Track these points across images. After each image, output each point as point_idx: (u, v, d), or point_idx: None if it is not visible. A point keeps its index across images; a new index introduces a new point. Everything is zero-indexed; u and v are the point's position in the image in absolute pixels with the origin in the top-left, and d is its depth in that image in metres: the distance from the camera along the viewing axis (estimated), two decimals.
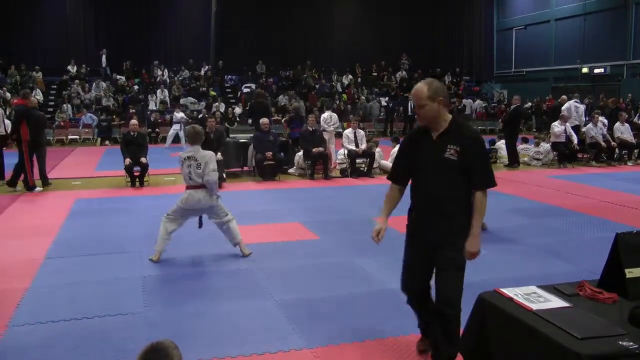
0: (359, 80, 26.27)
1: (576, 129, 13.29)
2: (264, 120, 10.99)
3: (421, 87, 3.09)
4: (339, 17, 27.37)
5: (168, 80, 23.59)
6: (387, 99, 23.87)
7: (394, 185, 3.35)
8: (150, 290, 4.78)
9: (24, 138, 9.47)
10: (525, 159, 13.39)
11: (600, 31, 22.84)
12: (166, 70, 24.20)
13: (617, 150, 13.29)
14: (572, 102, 14.18)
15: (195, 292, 4.73)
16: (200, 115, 17.86)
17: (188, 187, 5.51)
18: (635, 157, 13.43)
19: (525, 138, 14.65)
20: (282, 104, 22.25)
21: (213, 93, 23.04)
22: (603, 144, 13.05)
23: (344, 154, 11.49)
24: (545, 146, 13.16)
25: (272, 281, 4.98)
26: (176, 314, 4.27)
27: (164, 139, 18.24)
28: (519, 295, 2.81)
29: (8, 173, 10.62)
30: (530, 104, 23.45)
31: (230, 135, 12.30)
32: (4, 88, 20.31)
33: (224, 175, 10.14)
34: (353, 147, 11.28)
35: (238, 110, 21.08)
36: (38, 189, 9.63)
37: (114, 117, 20.34)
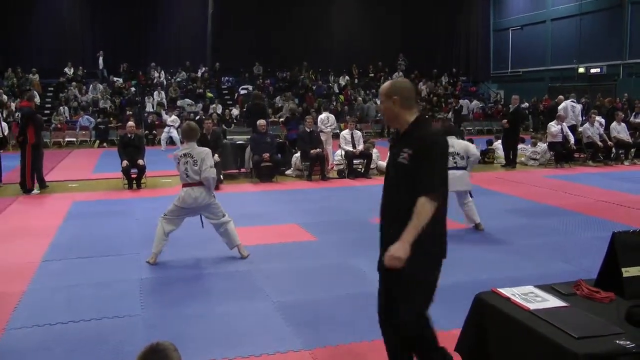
0: (356, 81, 26.28)
1: (573, 128, 13.32)
2: (261, 122, 11.00)
3: (385, 84, 2.96)
4: (336, 19, 27.36)
5: (165, 82, 23.58)
6: None
7: None
8: (147, 293, 4.77)
9: (29, 141, 9.45)
10: (522, 159, 13.41)
11: (596, 31, 22.88)
12: (163, 72, 24.21)
13: (613, 150, 13.33)
14: (568, 102, 14.23)
15: (193, 294, 4.72)
16: (197, 117, 17.85)
17: (185, 185, 5.47)
18: (631, 157, 13.45)
19: (522, 138, 14.65)
20: (279, 105, 22.24)
21: (210, 95, 23.05)
22: (600, 143, 13.07)
23: (341, 155, 11.50)
24: (542, 146, 13.17)
25: (270, 283, 4.98)
26: (173, 316, 4.26)
27: (161, 141, 18.22)
28: (517, 295, 2.81)
29: (5, 176, 10.61)
30: (527, 104, 23.46)
31: (228, 137, 12.29)
32: (1, 90, 20.27)
33: (221, 176, 10.14)
34: (350, 148, 11.28)
35: (235, 111, 21.07)
36: (35, 191, 9.62)
37: (111, 119, 20.31)
